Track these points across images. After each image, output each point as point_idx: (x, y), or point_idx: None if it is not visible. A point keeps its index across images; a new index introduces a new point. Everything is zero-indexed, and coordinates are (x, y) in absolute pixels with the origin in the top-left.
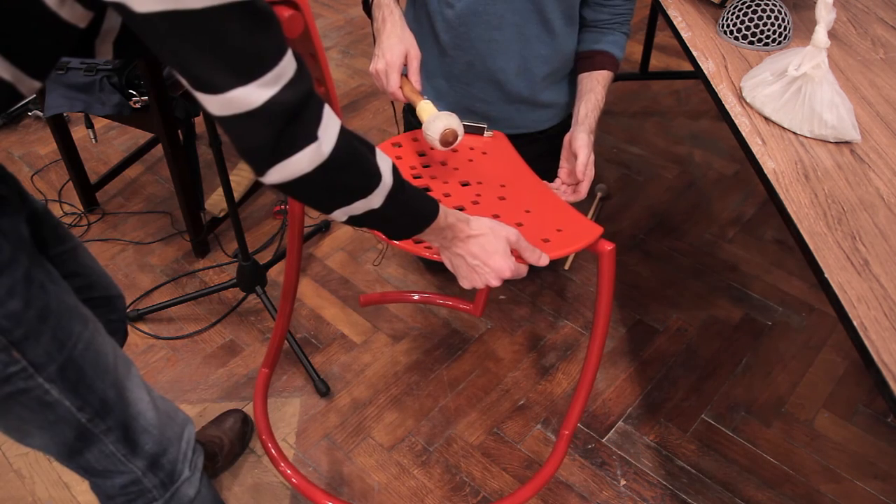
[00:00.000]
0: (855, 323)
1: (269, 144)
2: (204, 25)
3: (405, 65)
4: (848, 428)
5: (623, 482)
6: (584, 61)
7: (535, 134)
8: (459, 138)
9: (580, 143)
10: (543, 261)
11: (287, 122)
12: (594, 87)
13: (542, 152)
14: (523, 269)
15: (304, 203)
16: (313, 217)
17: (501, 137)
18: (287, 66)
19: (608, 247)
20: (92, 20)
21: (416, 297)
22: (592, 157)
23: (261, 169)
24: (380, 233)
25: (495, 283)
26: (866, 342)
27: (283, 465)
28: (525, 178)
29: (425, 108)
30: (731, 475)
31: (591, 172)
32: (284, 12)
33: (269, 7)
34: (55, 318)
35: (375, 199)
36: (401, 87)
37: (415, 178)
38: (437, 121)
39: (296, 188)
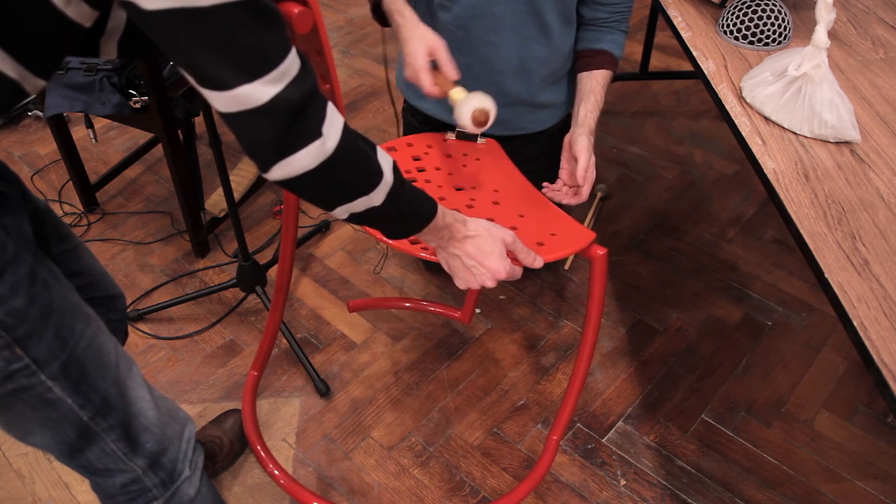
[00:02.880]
0: (855, 323)
1: (274, 141)
2: (211, 23)
3: (433, 60)
4: (848, 428)
5: (623, 482)
6: (584, 60)
7: (534, 134)
8: (492, 116)
9: (580, 146)
10: (538, 263)
11: (292, 119)
12: (594, 88)
13: (541, 152)
14: (518, 271)
15: (307, 200)
16: (313, 217)
17: (494, 144)
18: (291, 64)
19: (600, 251)
20: (97, 19)
21: (406, 304)
22: (593, 159)
23: (265, 165)
24: (378, 232)
25: (490, 283)
26: (866, 342)
27: (270, 466)
28: (518, 184)
29: (455, 95)
30: (731, 475)
31: (591, 175)
32: (294, 8)
33: (274, 6)
34: (58, 315)
35: (377, 197)
36: (442, 80)
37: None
38: (465, 104)
39: (299, 185)
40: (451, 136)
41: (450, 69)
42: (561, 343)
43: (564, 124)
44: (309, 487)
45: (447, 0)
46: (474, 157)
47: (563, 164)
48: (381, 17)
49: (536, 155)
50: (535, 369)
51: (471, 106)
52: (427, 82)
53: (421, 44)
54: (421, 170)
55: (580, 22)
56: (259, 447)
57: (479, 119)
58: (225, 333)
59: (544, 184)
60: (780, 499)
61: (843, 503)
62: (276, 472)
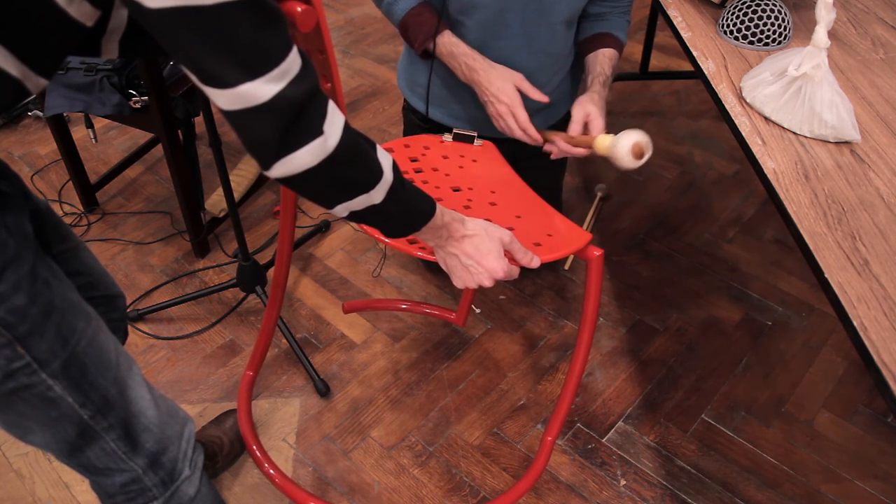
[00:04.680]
0: (855, 323)
1: (276, 138)
2: (214, 21)
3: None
4: (848, 428)
5: (623, 482)
6: (589, 44)
7: None
8: (648, 151)
9: (583, 106)
10: (535, 263)
11: (293, 117)
12: (600, 61)
13: (537, 149)
14: (515, 271)
15: (308, 197)
16: (313, 216)
17: (490, 146)
18: (293, 63)
19: (596, 252)
20: (99, 19)
21: (402, 306)
22: (593, 111)
23: (267, 163)
24: (377, 230)
25: (488, 283)
26: (866, 342)
27: (266, 466)
28: (515, 186)
29: (602, 142)
30: (731, 475)
31: (597, 120)
32: (297, 6)
33: (275, 4)
34: (59, 314)
35: (377, 195)
36: (573, 138)
37: None
38: (623, 138)
39: (300, 182)
40: (447, 137)
41: (536, 94)
42: (561, 343)
43: (562, 122)
44: (308, 487)
45: (462, 16)
46: (471, 158)
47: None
48: (427, 54)
49: (534, 152)
50: (535, 369)
51: (629, 139)
52: (524, 116)
53: (507, 82)
54: (418, 171)
55: (583, 16)
56: (255, 447)
57: (637, 152)
58: (225, 333)
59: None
60: (780, 499)
61: (843, 503)
62: (272, 472)
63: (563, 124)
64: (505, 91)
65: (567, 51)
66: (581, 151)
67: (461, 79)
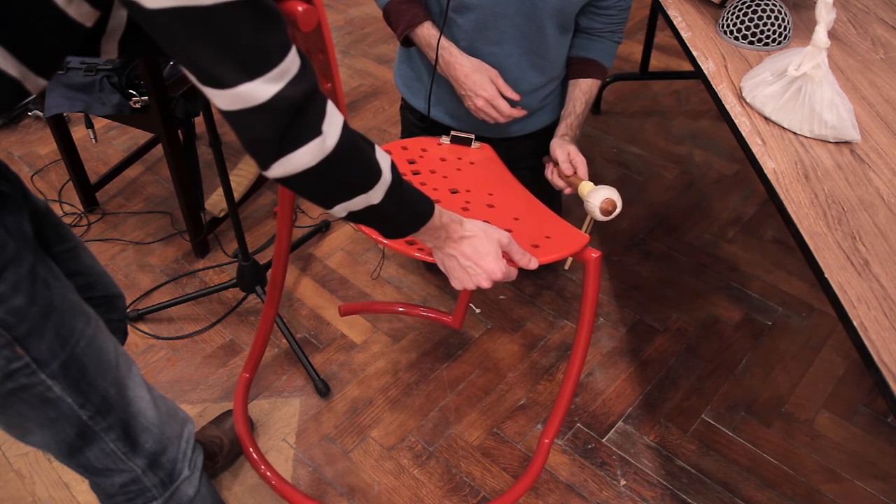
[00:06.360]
0: (855, 323)
1: (275, 138)
2: (213, 22)
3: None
4: (848, 428)
5: (623, 482)
6: (573, 68)
7: (527, 133)
8: (618, 208)
9: (553, 146)
10: (533, 264)
11: (292, 117)
12: (576, 97)
13: (534, 149)
14: (513, 272)
15: (307, 198)
16: (313, 217)
17: (488, 149)
18: (292, 63)
19: (594, 254)
20: (98, 19)
21: (399, 308)
22: (571, 150)
23: (266, 163)
24: (376, 231)
25: (486, 284)
26: (866, 342)
27: (262, 468)
28: (513, 188)
29: (584, 188)
30: (731, 475)
31: (579, 159)
32: (299, 6)
33: (274, 5)
34: (58, 314)
35: (375, 195)
36: (567, 177)
37: None
38: (597, 193)
39: (299, 182)
40: (445, 139)
41: (510, 92)
42: (561, 343)
43: (547, 130)
44: (308, 487)
45: (456, 14)
46: (469, 161)
47: (547, 169)
48: (408, 41)
49: (530, 153)
50: (535, 369)
51: (600, 196)
52: (505, 106)
53: (484, 76)
54: (416, 172)
55: (576, 29)
56: (251, 450)
57: (607, 209)
58: (225, 333)
59: (548, 168)
60: (780, 499)
61: (843, 503)
62: (269, 474)
63: (556, 124)
64: (482, 85)
65: (561, 60)
66: (570, 189)
67: (438, 71)
